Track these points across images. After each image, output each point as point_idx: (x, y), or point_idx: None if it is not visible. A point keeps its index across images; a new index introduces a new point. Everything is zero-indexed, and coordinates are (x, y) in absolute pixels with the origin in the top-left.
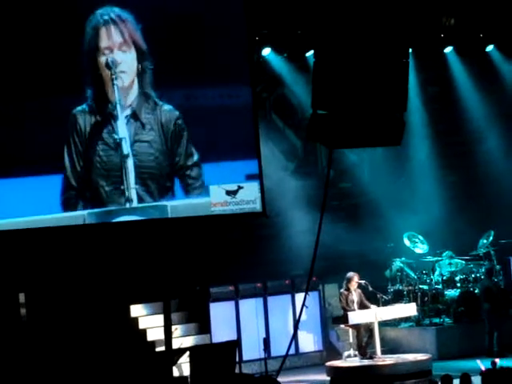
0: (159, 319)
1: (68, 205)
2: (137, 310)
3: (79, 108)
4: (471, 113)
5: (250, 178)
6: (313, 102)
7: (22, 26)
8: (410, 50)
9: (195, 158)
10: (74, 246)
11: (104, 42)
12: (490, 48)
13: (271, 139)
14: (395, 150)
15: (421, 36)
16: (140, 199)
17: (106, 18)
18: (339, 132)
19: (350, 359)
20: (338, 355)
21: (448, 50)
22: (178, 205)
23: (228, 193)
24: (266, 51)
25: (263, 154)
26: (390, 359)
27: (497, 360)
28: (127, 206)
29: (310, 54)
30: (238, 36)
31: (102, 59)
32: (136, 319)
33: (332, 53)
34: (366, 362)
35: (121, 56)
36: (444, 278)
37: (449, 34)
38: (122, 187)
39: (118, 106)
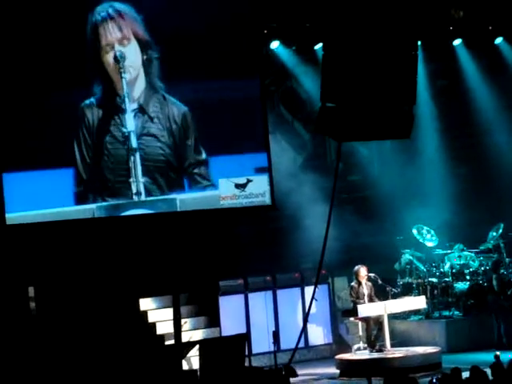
0: (168, 313)
1: (79, 197)
2: (146, 304)
3: (87, 102)
4: (480, 105)
5: (259, 171)
6: (322, 95)
7: (27, 22)
8: (419, 43)
9: (203, 155)
10: (83, 239)
11: (103, 40)
12: (498, 40)
13: (280, 132)
14: (404, 143)
15: (429, 28)
16: (148, 192)
17: (103, 14)
18: (348, 125)
19: (360, 352)
20: (347, 348)
21: (457, 42)
22: (187, 198)
23: (237, 186)
24: (275, 44)
25: (272, 148)
26: (399, 352)
27: (498, 353)
28: (136, 199)
29: (318, 47)
30: (246, 28)
31: (107, 55)
32: (145, 313)
33: (341, 46)
34: (376, 355)
35: (122, 49)
36: (453, 270)
37: (457, 27)
38: (130, 180)
39: (127, 100)
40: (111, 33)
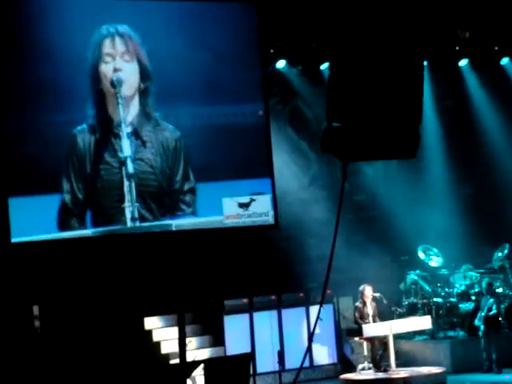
0: (173, 331)
1: (73, 223)
2: (151, 323)
3: (79, 128)
4: (486, 125)
5: (261, 194)
6: (327, 115)
7: (23, 40)
8: (425, 63)
9: (191, 183)
10: (88, 258)
11: (106, 49)
12: (504, 61)
13: (286, 151)
14: (410, 163)
15: (436, 49)
16: (142, 218)
17: (111, 30)
18: (354, 145)
19: (365, 372)
20: (352, 368)
21: (463, 63)
22: (182, 224)
23: (241, 205)
24: (281, 63)
25: (277, 167)
26: (404, 372)
27: None
28: (131, 225)
29: (324, 66)
30: (251, 52)
31: (105, 66)
32: (150, 331)
33: (347, 65)
34: (381, 375)
35: (122, 64)
36: (458, 291)
37: (464, 47)
38: (123, 206)
39: (123, 125)
40: (116, 45)
